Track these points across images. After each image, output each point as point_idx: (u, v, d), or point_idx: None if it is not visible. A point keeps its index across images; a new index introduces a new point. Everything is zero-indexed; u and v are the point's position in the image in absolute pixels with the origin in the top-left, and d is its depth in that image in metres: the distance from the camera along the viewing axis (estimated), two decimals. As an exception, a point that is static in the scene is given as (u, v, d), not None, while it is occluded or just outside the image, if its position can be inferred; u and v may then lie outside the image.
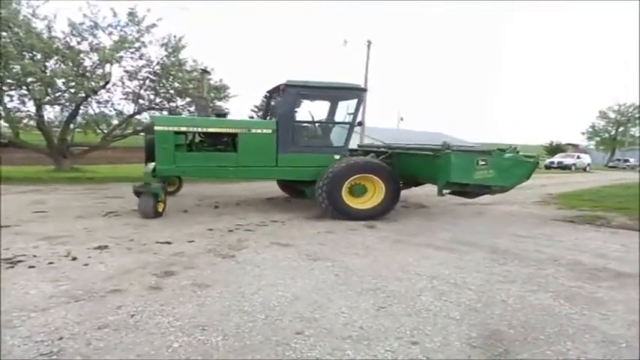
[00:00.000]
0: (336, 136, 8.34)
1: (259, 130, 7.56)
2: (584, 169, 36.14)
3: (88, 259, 4.48)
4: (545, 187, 15.25)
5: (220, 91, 14.14)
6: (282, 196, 10.15)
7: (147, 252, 4.86)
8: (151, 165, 7.13)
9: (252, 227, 6.46)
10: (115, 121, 15.28)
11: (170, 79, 14.00)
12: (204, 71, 9.67)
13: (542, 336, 2.97)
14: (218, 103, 14.05)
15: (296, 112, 7.84)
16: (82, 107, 14.22)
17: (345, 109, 8.34)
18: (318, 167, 7.56)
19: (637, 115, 50.43)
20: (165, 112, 14.65)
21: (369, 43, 26.55)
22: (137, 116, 15.11)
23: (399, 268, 4.56)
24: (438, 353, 2.69)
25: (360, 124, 8.30)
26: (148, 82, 14.25)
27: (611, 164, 47.69)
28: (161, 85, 14.26)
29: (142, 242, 5.30)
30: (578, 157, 38.82)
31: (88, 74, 12.91)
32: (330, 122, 8.55)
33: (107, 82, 13.57)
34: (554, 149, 52.31)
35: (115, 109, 14.72)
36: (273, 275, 4.16)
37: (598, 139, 52.44)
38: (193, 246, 5.22)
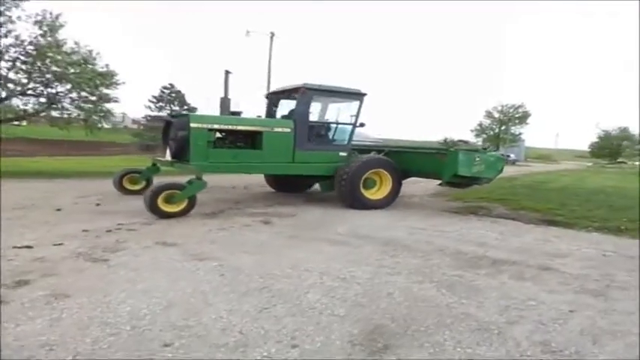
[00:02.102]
0: (341, 136, 9.17)
1: (280, 129, 8.22)
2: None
3: None
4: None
5: (106, 77, 12.82)
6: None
7: (-2, 259, 4.15)
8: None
9: (136, 226, 5.90)
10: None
11: (47, 62, 12.35)
12: (227, 72, 9.35)
13: (422, 327, 2.97)
14: (105, 91, 12.80)
15: (310, 112, 8.71)
16: None
17: (336, 110, 9.46)
18: (327, 163, 8.57)
19: (517, 115, 56.28)
20: (42, 100, 13.00)
21: (272, 35, 25.75)
22: (7, 102, 13.13)
23: (289, 264, 4.39)
24: (316, 354, 2.55)
25: (363, 124, 9.24)
26: (18, 63, 12.46)
27: (496, 159, 52.41)
28: (35, 68, 12.54)
29: (-5, 248, 4.53)
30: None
31: None
32: (337, 123, 9.30)
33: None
34: (448, 145, 56.30)
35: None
36: (149, 280, 3.76)
37: (485, 136, 57.59)
38: (60, 249, 4.58)
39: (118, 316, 2.98)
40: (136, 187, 8.89)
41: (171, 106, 34.83)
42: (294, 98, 8.88)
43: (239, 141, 8.24)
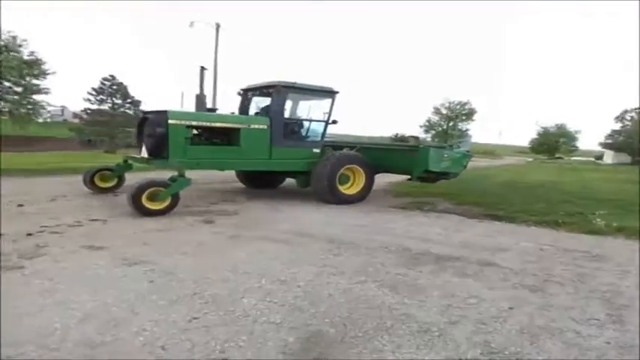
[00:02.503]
0: (314, 132, 9.29)
1: (257, 126, 8.28)
2: None
3: None
4: (389, 176, 16.30)
5: (33, 66, 11.82)
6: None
7: None
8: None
9: (61, 229, 5.42)
10: None
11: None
12: (203, 68, 9.15)
13: (360, 333, 2.84)
14: (34, 81, 11.84)
15: (285, 109, 8.86)
16: None
17: (307, 107, 9.60)
18: (302, 159, 8.76)
19: (463, 112, 58.43)
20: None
21: (218, 26, 24.52)
22: None
23: (228, 266, 4.16)
24: (246, 369, 2.35)
25: (335, 122, 9.28)
26: None
27: (444, 155, 53.98)
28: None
29: None
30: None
31: None
32: (310, 120, 9.35)
33: None
34: (399, 140, 57.48)
35: None
36: (68, 289, 3.40)
37: (433, 132, 59.32)
38: (-33, 257, 4.09)
39: (24, 332, 2.65)
40: (108, 185, 8.73)
41: (113, 99, 33.13)
42: (267, 95, 8.95)
43: (216, 137, 8.25)
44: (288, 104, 9.24)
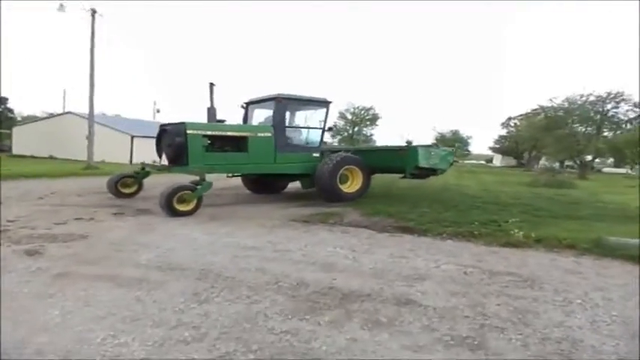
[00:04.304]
0: (313, 138, 10.32)
1: (263, 134, 9.21)
2: None
3: None
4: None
5: None
6: None
7: None
8: None
9: None
10: None
11: None
12: (212, 84, 9.73)
13: None
14: None
15: (287, 118, 9.89)
16: None
17: (304, 116, 10.65)
18: (304, 163, 9.71)
19: (367, 117, 59.62)
20: None
21: (94, 11, 20.72)
22: None
23: (23, 334, 2.56)
24: None
25: (331, 129, 11.02)
26: None
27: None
28: None
29: None
30: None
31: None
32: (309, 127, 10.44)
33: None
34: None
35: None
36: None
37: (340, 137, 59.76)
38: None
39: None
40: (130, 190, 9.54)
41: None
42: (268, 107, 10.02)
43: (226, 145, 8.96)
44: (288, 114, 10.05)
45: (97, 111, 23.90)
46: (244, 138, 9.03)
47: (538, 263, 4.84)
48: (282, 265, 4.47)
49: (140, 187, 9.68)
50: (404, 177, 10.44)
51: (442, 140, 76.45)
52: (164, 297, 3.44)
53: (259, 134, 9.22)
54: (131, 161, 28.99)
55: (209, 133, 8.66)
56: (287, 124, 9.89)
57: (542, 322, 3.19)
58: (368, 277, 4.14)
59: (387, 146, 12.11)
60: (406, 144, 10.16)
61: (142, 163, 9.98)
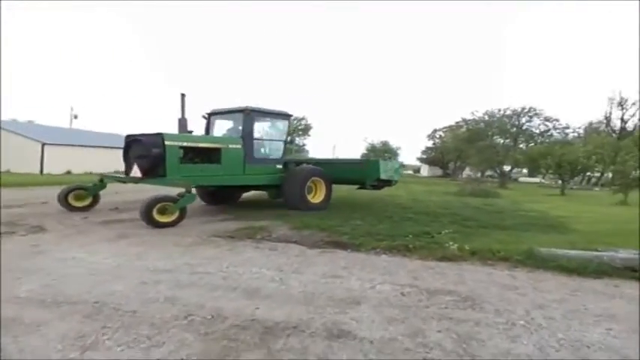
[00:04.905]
0: (276, 151, 10.44)
1: (233, 146, 9.27)
2: None
3: None
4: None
5: None
6: None
7: None
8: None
9: None
10: None
11: None
12: (183, 95, 9.62)
13: None
14: None
15: (254, 131, 9.70)
16: None
17: (261, 128, 10.53)
18: (270, 175, 9.82)
19: (300, 127, 59.57)
20: None
21: None
22: None
23: None
24: None
25: (292, 141, 11.52)
26: None
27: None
28: None
29: None
30: None
31: None
32: (273, 139, 10.57)
33: None
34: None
35: None
36: None
37: (273, 146, 59.14)
38: None
39: None
40: (82, 204, 8.90)
41: None
42: (231, 118, 10.24)
43: (197, 157, 8.85)
44: (256, 125, 9.99)
45: (5, 117, 21.49)
46: (217, 149, 9.00)
47: (475, 279, 4.61)
48: (198, 293, 3.85)
49: (95, 201, 9.13)
50: (361, 188, 11.30)
51: (373, 150, 78.46)
52: (37, 344, 2.71)
53: (230, 146, 9.23)
54: (42, 171, 26.42)
55: (185, 144, 8.55)
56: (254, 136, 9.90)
57: (488, 350, 2.86)
58: (296, 304, 3.63)
59: (349, 159, 13.02)
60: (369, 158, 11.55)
61: (101, 174, 9.49)
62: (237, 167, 9.23)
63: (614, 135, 40.56)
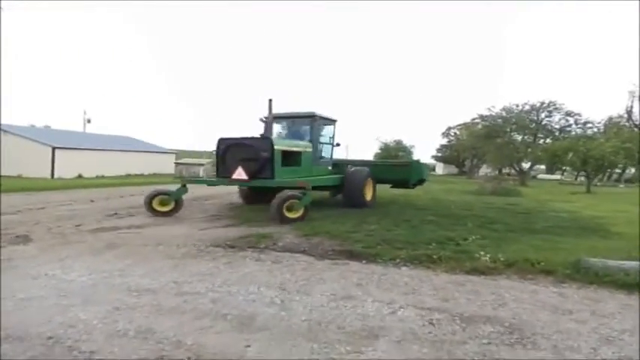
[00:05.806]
0: (327, 154, 11.52)
1: (308, 149, 10.22)
2: None
3: None
4: (232, 195, 13.65)
5: None
6: None
7: None
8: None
9: None
10: None
11: None
12: (270, 100, 9.71)
13: None
14: None
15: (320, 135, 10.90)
16: None
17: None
18: (330, 175, 10.92)
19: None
20: None
21: None
22: None
23: None
24: None
25: (339, 144, 11.93)
26: None
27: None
28: None
29: None
30: None
31: None
32: (325, 143, 11.32)
33: None
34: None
35: None
36: None
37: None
38: None
39: None
40: (166, 209, 8.81)
41: None
42: (295, 123, 11.11)
43: (286, 159, 9.22)
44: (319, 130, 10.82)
45: (25, 122, 21.24)
46: (299, 153, 9.77)
47: (517, 299, 3.82)
48: (179, 322, 3.14)
49: (178, 205, 8.95)
50: (405, 187, 12.50)
51: (386, 150, 77.30)
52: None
53: (306, 150, 10.08)
54: (52, 175, 26.16)
55: (284, 148, 9.21)
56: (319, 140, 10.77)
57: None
58: (297, 338, 2.89)
59: (395, 160, 14.48)
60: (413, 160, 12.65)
61: (183, 179, 9.93)
62: (309, 169, 10.05)
63: (635, 130, 38.86)
